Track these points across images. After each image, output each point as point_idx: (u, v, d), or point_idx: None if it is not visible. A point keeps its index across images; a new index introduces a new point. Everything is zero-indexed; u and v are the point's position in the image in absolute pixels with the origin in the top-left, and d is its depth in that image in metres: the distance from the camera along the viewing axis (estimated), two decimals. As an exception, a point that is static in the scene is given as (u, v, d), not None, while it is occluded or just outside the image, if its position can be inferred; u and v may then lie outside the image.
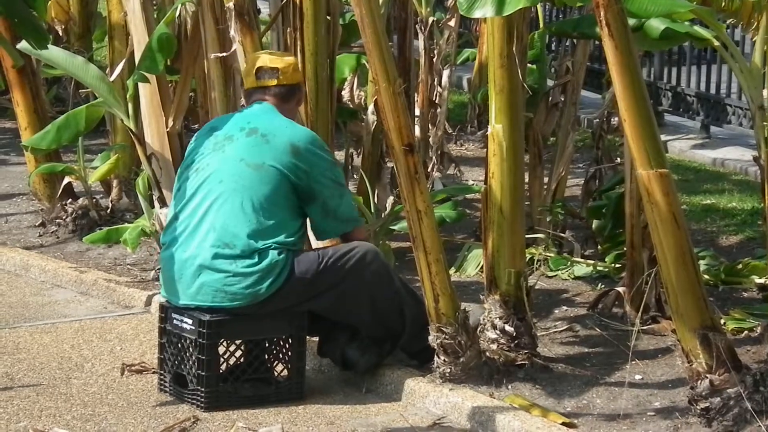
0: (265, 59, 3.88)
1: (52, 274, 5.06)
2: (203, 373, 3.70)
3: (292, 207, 3.73)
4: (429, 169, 5.83)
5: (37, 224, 5.61)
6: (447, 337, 3.75)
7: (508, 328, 3.86)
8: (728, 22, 3.97)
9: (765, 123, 3.62)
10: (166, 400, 3.83)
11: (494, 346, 3.86)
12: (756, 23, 3.78)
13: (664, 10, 3.68)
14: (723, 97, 6.89)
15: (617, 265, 4.74)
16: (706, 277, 4.51)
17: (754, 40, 3.88)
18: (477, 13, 3.55)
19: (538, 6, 5.73)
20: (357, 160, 5.56)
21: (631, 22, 3.59)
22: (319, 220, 3.77)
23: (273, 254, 3.67)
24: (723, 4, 3.77)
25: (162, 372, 3.85)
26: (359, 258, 3.76)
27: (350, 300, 3.76)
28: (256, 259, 3.66)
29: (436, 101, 6.13)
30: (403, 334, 3.87)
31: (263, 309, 3.72)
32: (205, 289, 3.69)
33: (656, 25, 3.98)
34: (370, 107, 5.26)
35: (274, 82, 3.82)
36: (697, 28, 4.00)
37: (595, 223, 5.01)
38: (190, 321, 3.73)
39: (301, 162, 3.70)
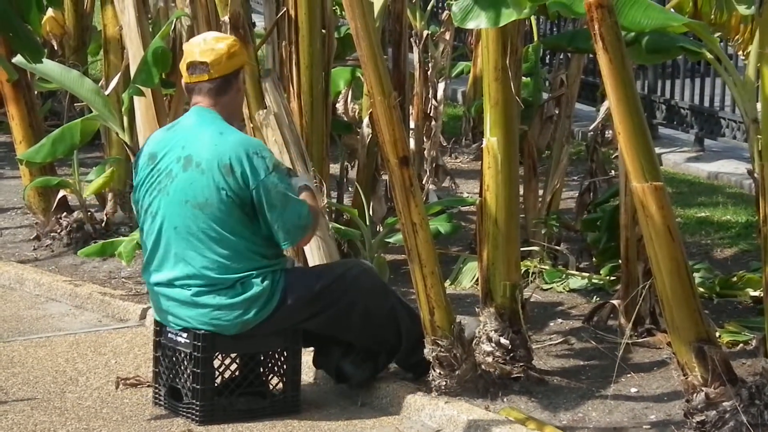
0: (194, 53, 3.61)
1: (46, 287, 5.05)
2: (198, 387, 3.69)
3: (256, 227, 3.63)
4: (423, 182, 5.84)
5: (31, 238, 5.60)
6: (442, 349, 3.74)
7: (503, 340, 3.86)
8: (717, 35, 3.98)
9: (759, 136, 3.62)
10: (160, 414, 3.82)
11: (490, 359, 3.85)
12: (741, 38, 3.80)
13: (658, 24, 3.69)
14: (717, 110, 6.92)
15: (612, 278, 4.75)
16: (701, 289, 4.51)
17: (740, 54, 3.89)
18: (471, 24, 3.57)
19: (533, 19, 5.75)
20: (352, 173, 5.57)
21: (625, 35, 3.61)
22: (275, 229, 3.58)
23: (257, 282, 3.61)
24: (712, 18, 3.79)
25: (157, 385, 3.84)
26: (354, 278, 3.74)
27: (346, 318, 3.74)
28: (239, 290, 3.62)
29: (431, 114, 6.14)
30: (398, 349, 3.86)
31: (256, 332, 3.70)
32: (193, 321, 3.67)
33: (650, 38, 3.99)
34: (365, 120, 5.27)
35: (206, 77, 3.59)
36: (691, 42, 4.02)
37: (589, 236, 5.02)
38: (185, 334, 3.72)
39: (238, 179, 3.56)
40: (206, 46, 3.66)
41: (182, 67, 3.70)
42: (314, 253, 4.08)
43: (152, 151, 3.71)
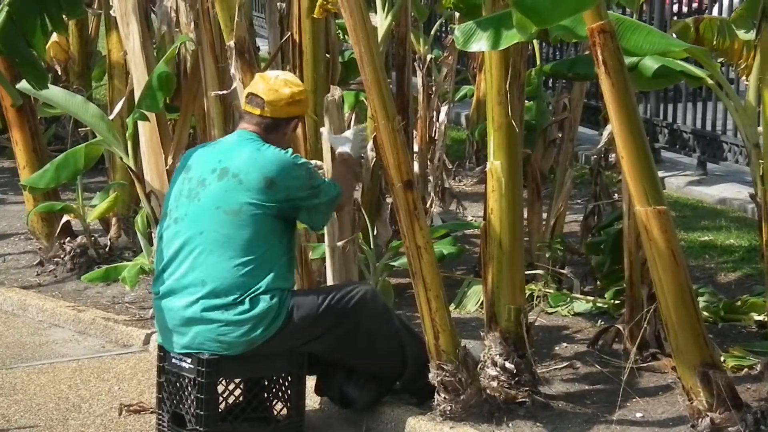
0: (258, 86, 3.74)
1: (50, 313, 5.04)
2: (202, 413, 3.67)
3: (278, 240, 3.68)
4: (428, 205, 5.84)
5: (35, 263, 5.59)
6: (447, 374, 3.73)
7: (508, 365, 3.84)
8: (720, 60, 4.00)
9: (761, 161, 3.63)
10: (164, 440, 3.80)
11: (495, 384, 3.84)
12: (745, 63, 3.81)
13: (659, 49, 3.71)
14: (719, 134, 6.92)
15: (617, 302, 4.73)
16: (706, 314, 4.50)
17: (744, 79, 3.91)
18: (473, 47, 3.59)
19: (535, 43, 5.78)
20: (356, 196, 5.56)
21: (627, 60, 3.62)
22: (307, 220, 3.77)
23: (265, 299, 3.63)
24: (715, 43, 3.80)
25: (160, 412, 3.82)
26: (358, 300, 3.74)
27: (350, 341, 3.74)
28: (247, 306, 3.63)
29: (435, 137, 6.16)
30: (403, 373, 3.85)
31: (261, 351, 3.70)
32: (199, 338, 3.67)
33: (651, 64, 4.01)
34: (369, 144, 5.28)
35: (258, 112, 3.73)
36: (692, 67, 4.03)
37: (594, 260, 5.01)
38: (189, 360, 3.71)
39: (278, 192, 3.65)
40: (272, 85, 3.74)
41: (244, 91, 3.78)
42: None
43: (188, 163, 3.81)
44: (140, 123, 4.93)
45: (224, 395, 3.78)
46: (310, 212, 3.74)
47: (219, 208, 3.65)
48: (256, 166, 3.66)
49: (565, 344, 4.51)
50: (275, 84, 3.74)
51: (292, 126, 3.80)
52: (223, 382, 3.77)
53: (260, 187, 3.63)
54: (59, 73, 7.01)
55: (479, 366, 3.86)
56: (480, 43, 3.56)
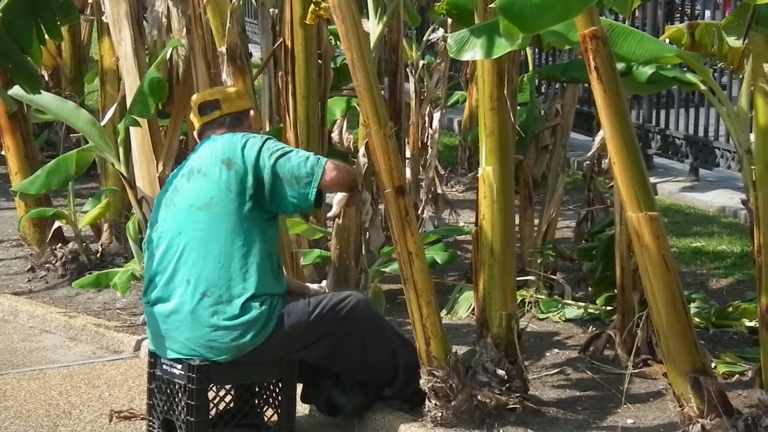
0: (204, 95, 3.88)
1: (40, 319, 5.03)
2: (192, 419, 3.67)
3: (259, 233, 3.66)
4: (420, 211, 5.84)
5: (26, 269, 5.58)
6: (438, 380, 3.72)
7: (499, 371, 3.84)
8: (718, 65, 4.00)
9: (752, 167, 3.63)
10: (154, 447, 3.79)
11: (486, 390, 3.83)
12: (746, 68, 3.81)
13: (652, 55, 3.71)
14: (711, 140, 6.94)
15: (608, 308, 4.74)
16: (697, 320, 4.51)
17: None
18: (466, 56, 3.59)
19: (528, 49, 5.79)
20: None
21: (619, 66, 3.63)
22: (295, 194, 3.62)
23: (255, 305, 3.63)
24: (712, 48, 3.80)
25: (151, 418, 3.82)
26: (350, 308, 3.73)
27: (341, 350, 3.74)
28: (237, 312, 3.62)
29: (428, 143, 6.16)
30: (395, 381, 3.85)
31: (252, 358, 3.69)
32: (190, 344, 3.67)
33: (643, 69, 4.01)
34: (361, 149, 5.28)
35: (217, 113, 3.79)
36: (685, 73, 4.03)
37: (585, 265, 5.01)
38: (179, 366, 3.70)
39: (239, 170, 3.65)
40: (214, 91, 3.92)
41: (193, 114, 3.83)
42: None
43: (169, 179, 3.88)
44: (132, 129, 4.92)
45: (215, 401, 3.77)
46: (290, 183, 3.61)
47: (192, 206, 3.68)
48: (212, 154, 3.71)
49: (556, 350, 4.51)
50: (216, 89, 3.94)
51: (251, 119, 3.84)
52: (214, 388, 3.76)
53: (221, 171, 3.65)
54: (47, 79, 6.99)
55: (470, 372, 3.86)
56: (473, 52, 3.55)
